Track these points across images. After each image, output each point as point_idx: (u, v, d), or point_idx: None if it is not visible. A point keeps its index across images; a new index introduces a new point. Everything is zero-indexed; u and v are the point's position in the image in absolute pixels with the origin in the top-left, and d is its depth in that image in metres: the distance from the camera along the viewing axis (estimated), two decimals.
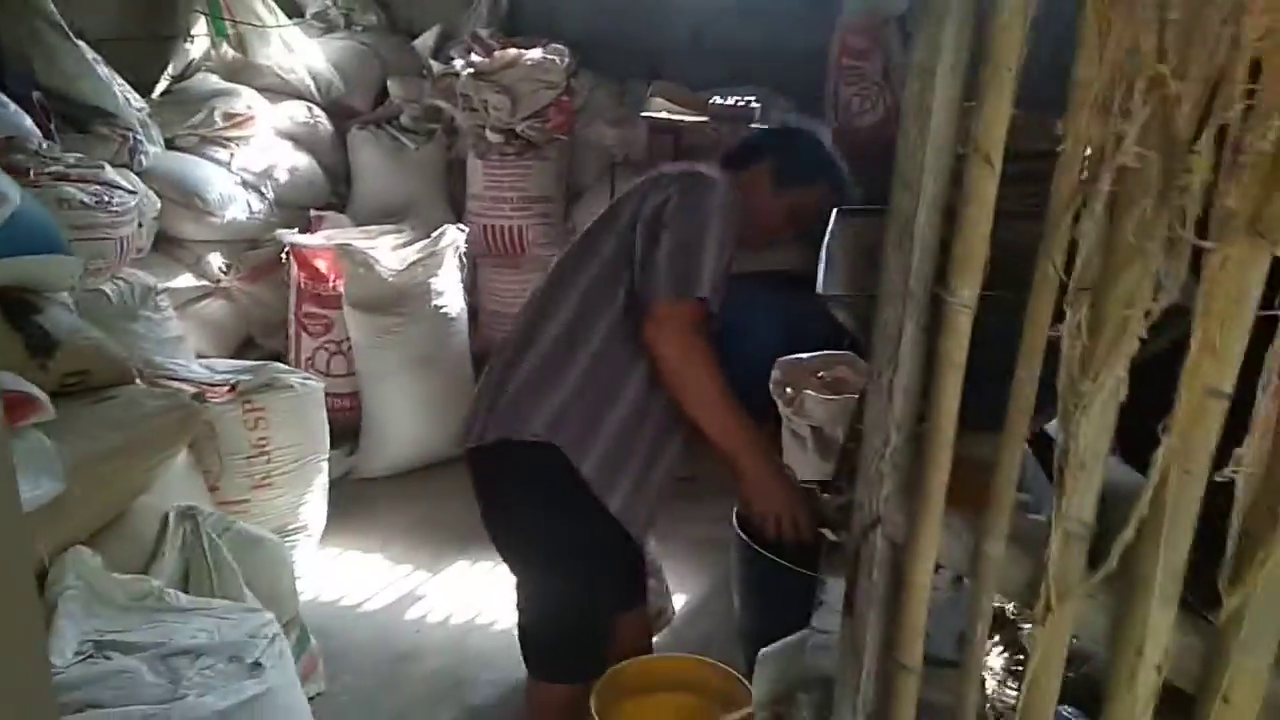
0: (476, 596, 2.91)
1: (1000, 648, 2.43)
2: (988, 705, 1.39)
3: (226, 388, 3.03)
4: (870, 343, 1.11)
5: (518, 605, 1.88)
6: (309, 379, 3.20)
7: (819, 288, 1.38)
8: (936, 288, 0.98)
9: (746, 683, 1.83)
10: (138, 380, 2.54)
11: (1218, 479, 0.79)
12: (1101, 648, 0.92)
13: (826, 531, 1.66)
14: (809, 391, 3.01)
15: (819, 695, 1.43)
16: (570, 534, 1.69)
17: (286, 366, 3.34)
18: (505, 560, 1.85)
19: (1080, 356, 0.86)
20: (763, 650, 1.71)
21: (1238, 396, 0.80)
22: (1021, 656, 2.28)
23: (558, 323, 1.67)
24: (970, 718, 1.07)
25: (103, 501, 2.06)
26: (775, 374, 3.26)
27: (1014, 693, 2.34)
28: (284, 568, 2.34)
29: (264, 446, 3.00)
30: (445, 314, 3.92)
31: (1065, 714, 2.14)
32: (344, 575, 3.07)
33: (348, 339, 3.94)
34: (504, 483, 1.76)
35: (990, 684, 1.45)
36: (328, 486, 3.27)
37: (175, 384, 2.89)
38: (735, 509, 2.39)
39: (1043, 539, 0.98)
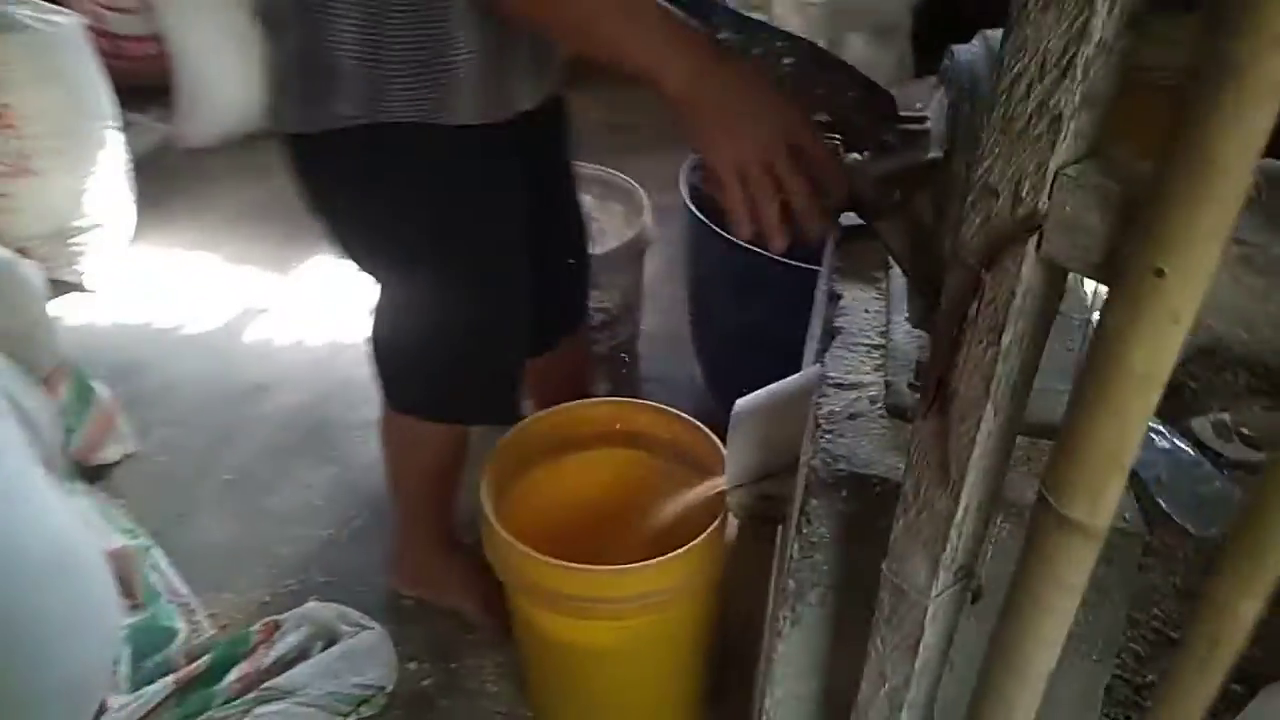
0: (342, 302, 2.30)
1: None
2: None
3: None
4: None
5: (375, 306, 1.32)
6: (58, 15, 2.31)
7: None
8: None
9: (712, 435, 1.30)
10: None
11: None
12: None
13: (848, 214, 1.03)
14: None
15: (848, 503, 0.89)
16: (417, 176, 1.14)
17: None
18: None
19: None
20: (740, 403, 1.15)
21: None
22: None
23: None
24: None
25: None
26: None
27: None
28: (26, 293, 1.68)
29: (5, 118, 2.20)
30: None
31: None
32: (162, 284, 2.42)
33: None
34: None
35: None
36: (132, 165, 2.53)
37: None
38: (686, 169, 1.75)
39: None
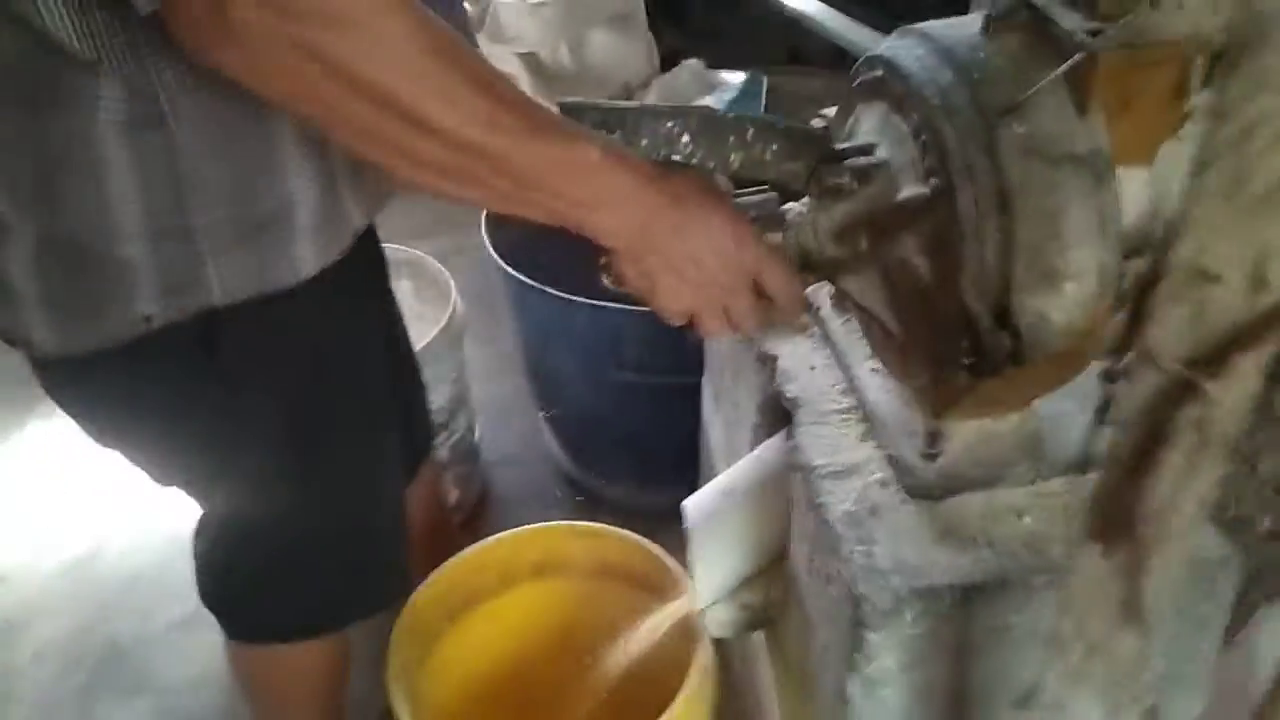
0: (89, 477, 1.86)
1: None
2: None
3: None
4: None
5: (200, 531, 1.03)
6: None
7: None
8: None
9: (633, 537, 1.13)
10: None
11: None
12: None
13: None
14: None
15: (916, 624, 0.73)
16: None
17: None
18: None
19: None
20: (693, 509, 0.98)
21: None
22: None
23: None
24: None
25: None
26: None
27: None
28: None
29: None
30: None
31: None
32: None
33: None
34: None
35: None
36: None
37: None
38: (486, 221, 1.54)
39: None
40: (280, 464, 0.89)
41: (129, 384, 0.81)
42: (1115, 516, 0.51)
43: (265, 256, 0.76)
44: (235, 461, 0.88)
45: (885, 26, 1.99)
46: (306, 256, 0.79)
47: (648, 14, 2.26)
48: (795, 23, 2.19)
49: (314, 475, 0.92)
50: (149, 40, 0.64)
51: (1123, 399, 0.48)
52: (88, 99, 0.65)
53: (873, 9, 2.14)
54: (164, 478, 0.93)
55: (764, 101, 1.98)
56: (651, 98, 2.05)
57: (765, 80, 1.98)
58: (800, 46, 2.78)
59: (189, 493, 0.96)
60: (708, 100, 1.92)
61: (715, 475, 1.21)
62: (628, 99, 2.11)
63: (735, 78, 2.01)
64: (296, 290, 0.80)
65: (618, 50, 2.11)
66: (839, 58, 2.63)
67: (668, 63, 2.22)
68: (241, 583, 1.00)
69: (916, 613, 0.72)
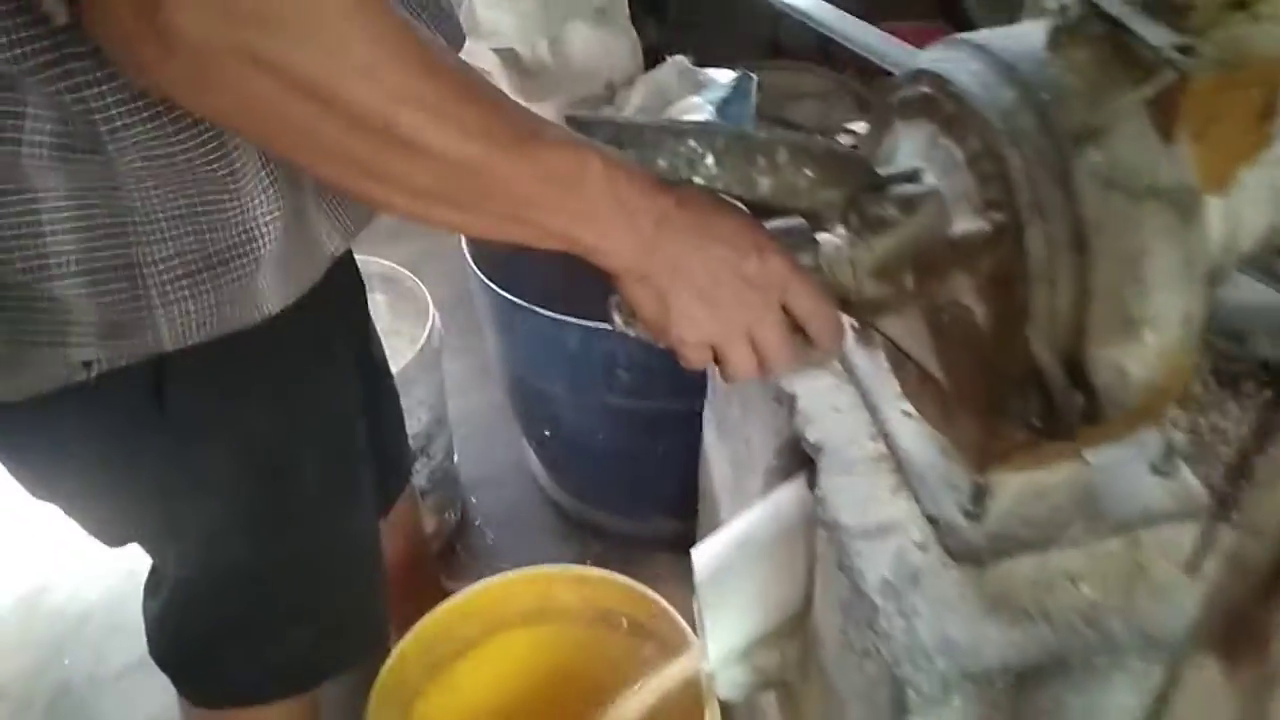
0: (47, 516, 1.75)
1: None
2: None
3: None
4: None
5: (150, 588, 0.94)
6: None
7: None
8: None
9: (622, 579, 1.05)
10: None
11: None
12: None
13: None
14: None
15: (965, 710, 0.66)
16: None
17: None
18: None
19: None
20: (702, 562, 0.89)
21: None
22: None
23: None
24: None
25: None
26: None
27: None
28: None
29: None
30: None
31: None
32: None
33: None
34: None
35: None
36: None
37: None
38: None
39: None
40: (242, 519, 0.80)
41: (66, 435, 0.72)
42: (1243, 632, 0.43)
43: (223, 294, 0.67)
44: (190, 518, 0.79)
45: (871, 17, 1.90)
46: (271, 292, 0.70)
47: (637, 10, 2.17)
48: (777, 15, 2.11)
49: (280, 528, 0.83)
50: (79, 54, 0.54)
51: (1260, 503, 0.40)
52: (9, 119, 0.56)
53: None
54: (108, 536, 0.84)
55: (754, 101, 1.90)
56: (636, 96, 1.96)
57: (756, 79, 1.90)
58: (782, 39, 2.71)
59: (141, 547, 0.86)
60: (695, 100, 1.83)
61: (718, 512, 1.13)
62: (611, 98, 2.02)
63: (724, 76, 1.92)
64: (259, 326, 0.71)
65: (600, 46, 2.01)
66: (822, 51, 2.56)
67: (647, 58, 2.14)
68: (199, 643, 0.91)
69: (966, 698, 0.65)
